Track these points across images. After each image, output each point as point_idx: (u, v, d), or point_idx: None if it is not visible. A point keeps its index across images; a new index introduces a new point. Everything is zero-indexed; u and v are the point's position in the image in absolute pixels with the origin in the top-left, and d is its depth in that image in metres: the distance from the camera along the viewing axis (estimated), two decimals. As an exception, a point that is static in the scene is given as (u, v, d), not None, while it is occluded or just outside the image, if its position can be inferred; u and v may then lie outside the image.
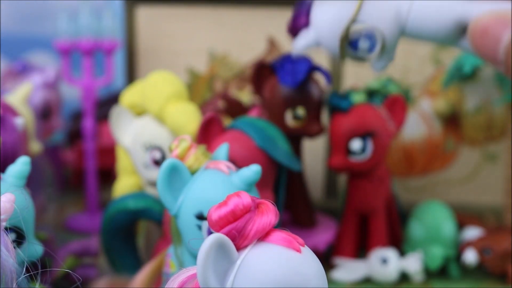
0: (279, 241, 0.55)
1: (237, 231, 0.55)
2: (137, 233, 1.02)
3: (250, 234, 0.55)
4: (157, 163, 0.99)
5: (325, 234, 1.09)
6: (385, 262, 1.04)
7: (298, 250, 0.55)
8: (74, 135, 1.46)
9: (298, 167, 0.96)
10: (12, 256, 0.58)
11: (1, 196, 0.62)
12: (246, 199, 0.56)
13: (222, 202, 0.57)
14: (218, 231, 0.56)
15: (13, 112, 0.99)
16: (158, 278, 0.84)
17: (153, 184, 0.99)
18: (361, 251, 1.11)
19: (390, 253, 1.05)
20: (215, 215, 0.56)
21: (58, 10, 1.33)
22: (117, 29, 1.27)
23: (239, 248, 0.55)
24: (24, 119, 0.96)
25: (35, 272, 0.64)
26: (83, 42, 1.25)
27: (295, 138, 1.07)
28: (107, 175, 1.33)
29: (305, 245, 0.57)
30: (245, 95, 1.27)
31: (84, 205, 1.31)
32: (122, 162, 1.06)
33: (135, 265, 0.96)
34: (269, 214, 0.56)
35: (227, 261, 0.54)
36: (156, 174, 0.99)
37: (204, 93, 1.32)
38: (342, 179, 1.28)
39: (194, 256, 0.75)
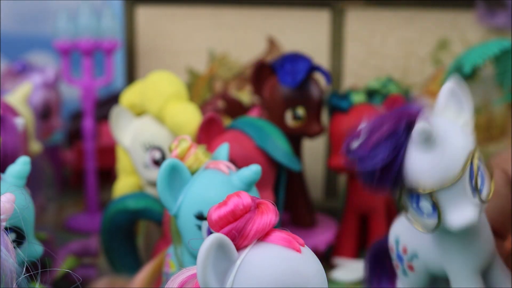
0: (279, 241, 0.55)
1: (237, 231, 0.55)
2: (137, 233, 1.02)
3: (250, 234, 0.55)
4: (157, 163, 0.99)
5: (325, 234, 1.09)
6: (385, 262, 1.04)
7: (298, 250, 0.55)
8: (74, 135, 1.46)
9: (298, 167, 0.96)
10: (12, 256, 0.58)
11: (1, 196, 0.62)
12: (246, 199, 0.56)
13: (222, 202, 0.57)
14: (218, 231, 0.56)
15: (13, 112, 0.99)
16: (158, 278, 0.84)
17: (153, 184, 0.99)
18: (361, 251, 1.11)
19: (390, 253, 1.04)
20: (215, 215, 0.56)
21: (58, 10, 1.33)
22: (116, 29, 1.27)
23: (239, 248, 0.55)
24: (24, 119, 0.96)
25: (35, 272, 0.64)
26: (82, 42, 1.25)
27: (295, 138, 1.07)
28: (107, 175, 1.33)
29: (305, 245, 0.57)
30: (245, 95, 1.27)
31: (84, 205, 1.31)
32: (122, 162, 1.06)
33: (135, 265, 0.96)
34: (269, 214, 0.56)
35: (227, 261, 0.54)
36: (156, 174, 0.99)
37: (203, 93, 1.32)
38: (342, 179, 1.28)
39: (194, 256, 0.75)
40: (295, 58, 1.06)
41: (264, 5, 1.30)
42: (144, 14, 1.34)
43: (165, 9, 1.34)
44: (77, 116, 1.47)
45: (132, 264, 0.96)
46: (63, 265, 0.95)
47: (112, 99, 1.41)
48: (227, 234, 0.55)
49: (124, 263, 0.96)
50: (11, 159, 0.82)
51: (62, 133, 1.47)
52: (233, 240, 0.55)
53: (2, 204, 0.61)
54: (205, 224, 0.73)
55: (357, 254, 1.10)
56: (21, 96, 1.11)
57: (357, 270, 1.05)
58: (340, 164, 1.05)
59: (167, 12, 1.34)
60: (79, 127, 1.39)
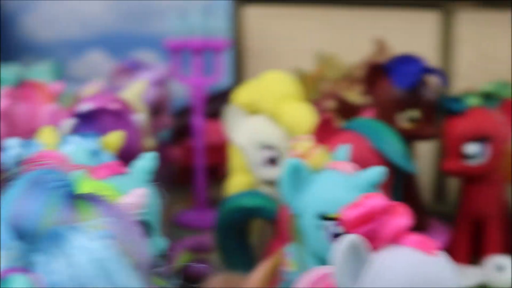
0: (414, 244, 0.55)
1: (372, 233, 0.55)
2: (250, 231, 1.03)
3: (385, 236, 0.55)
4: (271, 162, 1.00)
5: (437, 238, 1.07)
6: (501, 269, 1.02)
7: (433, 254, 0.55)
8: (181, 132, 1.47)
9: (414, 170, 0.95)
10: (145, 248, 0.59)
11: (135, 191, 0.63)
12: (381, 201, 0.56)
13: (356, 203, 0.57)
14: (351, 232, 0.56)
15: (131, 108, 1.00)
16: (275, 277, 0.84)
17: (266, 182, 1.00)
18: (474, 258, 1.09)
19: (507, 261, 1.02)
20: (349, 216, 0.56)
21: (166, 9, 1.35)
22: (226, 28, 1.29)
23: (373, 250, 0.55)
24: (142, 115, 0.98)
25: (159, 266, 0.65)
26: (193, 41, 1.27)
27: (407, 141, 1.05)
28: (213, 172, 1.34)
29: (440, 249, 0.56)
30: (353, 96, 1.26)
31: (193, 202, 1.32)
32: (235, 160, 1.07)
33: (248, 263, 0.97)
34: (403, 216, 0.56)
35: (362, 262, 0.54)
36: (270, 172, 1.00)
37: (310, 94, 1.31)
38: (453, 183, 1.26)
39: (315, 256, 0.75)
40: (409, 60, 1.05)
41: (372, 6, 1.30)
42: (252, 14, 1.35)
43: (273, 9, 1.34)
44: (182, 113, 1.49)
45: (245, 262, 0.97)
46: (179, 261, 0.97)
47: (216, 97, 1.43)
48: (362, 235, 0.55)
49: (237, 261, 0.97)
50: (133, 155, 0.83)
51: (169, 130, 1.49)
52: (367, 241, 0.55)
53: (135, 199, 0.63)
54: (327, 224, 0.73)
55: (470, 260, 1.08)
56: (136, 93, 1.14)
57: (471, 276, 1.03)
58: (455, 167, 1.04)
59: (275, 12, 1.34)
60: (185, 124, 1.41)
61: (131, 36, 1.64)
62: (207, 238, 1.02)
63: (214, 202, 1.26)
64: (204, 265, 1.01)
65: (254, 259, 0.98)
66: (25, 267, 0.44)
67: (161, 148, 1.37)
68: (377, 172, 0.73)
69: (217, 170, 1.38)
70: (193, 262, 1.01)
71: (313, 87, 1.31)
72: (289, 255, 0.80)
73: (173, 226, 1.25)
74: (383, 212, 0.56)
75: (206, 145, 1.37)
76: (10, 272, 0.42)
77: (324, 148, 0.79)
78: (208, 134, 1.41)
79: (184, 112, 1.49)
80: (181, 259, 0.98)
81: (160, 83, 1.31)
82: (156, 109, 1.30)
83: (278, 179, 0.78)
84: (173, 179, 1.43)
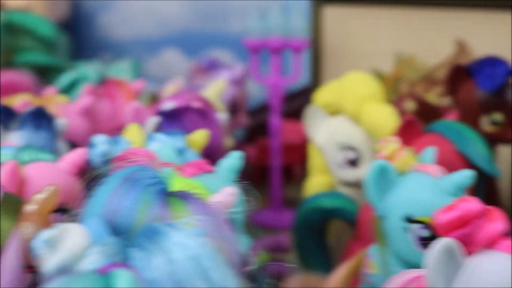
0: (509, 249, 0.54)
1: (466, 237, 0.54)
2: (328, 232, 1.03)
3: (479, 241, 0.54)
4: (351, 163, 0.99)
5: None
6: None
7: (528, 260, 0.54)
8: (255, 131, 1.48)
9: (497, 173, 0.94)
10: (237, 247, 0.60)
11: (224, 189, 0.64)
12: (475, 204, 0.56)
13: (450, 206, 0.56)
14: (444, 235, 0.55)
15: (213, 107, 1.01)
16: (355, 279, 0.84)
17: (346, 183, 0.99)
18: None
19: None
20: (443, 219, 0.56)
21: (247, 9, 1.36)
22: (304, 28, 1.28)
23: (466, 254, 0.54)
24: (224, 114, 0.99)
25: (248, 265, 0.65)
26: (272, 40, 1.27)
27: (490, 144, 1.04)
28: (287, 172, 1.34)
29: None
30: (432, 98, 1.24)
31: (267, 201, 1.32)
32: (314, 161, 1.07)
33: (326, 264, 0.97)
34: (497, 221, 0.55)
35: (456, 265, 0.54)
36: (349, 174, 0.99)
37: (388, 95, 1.30)
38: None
39: (399, 258, 0.74)
40: (495, 62, 1.03)
41: (453, 7, 1.28)
42: (332, 14, 1.35)
43: (352, 9, 1.34)
44: (257, 112, 1.50)
45: (323, 262, 0.97)
46: (257, 260, 0.97)
47: (293, 97, 1.43)
48: (456, 239, 0.54)
49: (315, 261, 0.97)
50: (216, 153, 0.84)
51: (244, 129, 1.50)
52: (461, 245, 0.54)
53: (225, 197, 0.63)
54: (413, 227, 0.72)
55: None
56: (216, 92, 1.14)
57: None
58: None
59: (353, 12, 1.34)
60: (260, 123, 1.42)
61: (207, 35, 1.65)
62: (285, 238, 1.03)
63: (289, 202, 1.26)
64: (282, 265, 1.02)
65: (332, 260, 0.98)
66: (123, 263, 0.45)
67: (237, 147, 1.38)
68: (465, 175, 0.72)
69: (292, 170, 1.38)
70: (271, 262, 1.01)
71: (391, 88, 1.30)
72: (370, 257, 0.79)
73: (249, 226, 1.25)
74: (478, 216, 0.55)
75: (282, 144, 1.37)
76: (112, 267, 0.43)
77: (411, 150, 0.78)
78: (283, 134, 1.41)
79: (259, 111, 1.49)
80: (259, 258, 0.98)
81: (238, 82, 1.31)
82: (234, 108, 1.31)
83: (361, 180, 0.77)
84: (248, 178, 1.44)
